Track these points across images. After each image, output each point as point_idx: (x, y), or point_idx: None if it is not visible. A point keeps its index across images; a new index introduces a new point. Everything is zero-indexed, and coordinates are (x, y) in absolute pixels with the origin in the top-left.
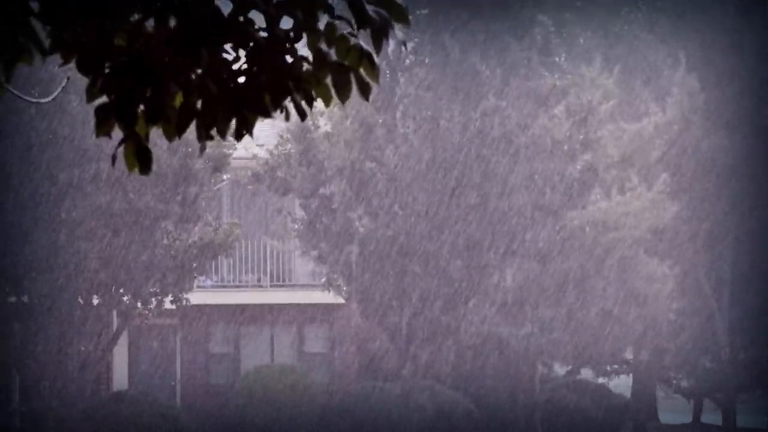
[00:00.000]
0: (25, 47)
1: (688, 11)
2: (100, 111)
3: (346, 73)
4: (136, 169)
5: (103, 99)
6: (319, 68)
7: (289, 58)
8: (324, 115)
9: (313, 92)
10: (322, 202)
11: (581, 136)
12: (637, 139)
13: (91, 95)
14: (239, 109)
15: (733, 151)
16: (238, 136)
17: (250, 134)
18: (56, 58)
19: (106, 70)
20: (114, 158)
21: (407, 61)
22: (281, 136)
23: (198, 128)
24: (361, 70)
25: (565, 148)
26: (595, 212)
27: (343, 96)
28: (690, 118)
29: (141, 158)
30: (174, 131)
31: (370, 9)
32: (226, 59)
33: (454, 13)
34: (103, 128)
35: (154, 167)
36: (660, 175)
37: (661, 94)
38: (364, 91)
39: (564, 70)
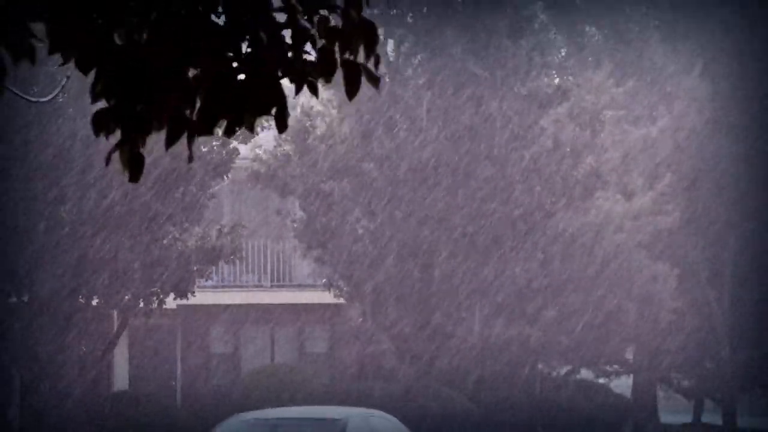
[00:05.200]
0: (25, 47)
1: (695, 14)
2: (97, 116)
3: (356, 70)
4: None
5: (102, 103)
6: (328, 65)
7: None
8: (322, 117)
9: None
10: (321, 202)
11: (585, 139)
12: (640, 142)
13: (95, 96)
14: (238, 108)
15: (735, 154)
16: (229, 132)
17: (251, 131)
18: (56, 59)
19: (107, 71)
20: (108, 159)
21: (401, 59)
22: (280, 136)
23: (189, 132)
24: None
25: (568, 150)
26: (598, 214)
27: (352, 93)
28: (693, 121)
29: (132, 165)
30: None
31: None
32: (224, 59)
33: (452, 13)
34: (100, 131)
35: (155, 167)
36: (663, 177)
37: (665, 97)
38: (375, 82)
39: (568, 71)
